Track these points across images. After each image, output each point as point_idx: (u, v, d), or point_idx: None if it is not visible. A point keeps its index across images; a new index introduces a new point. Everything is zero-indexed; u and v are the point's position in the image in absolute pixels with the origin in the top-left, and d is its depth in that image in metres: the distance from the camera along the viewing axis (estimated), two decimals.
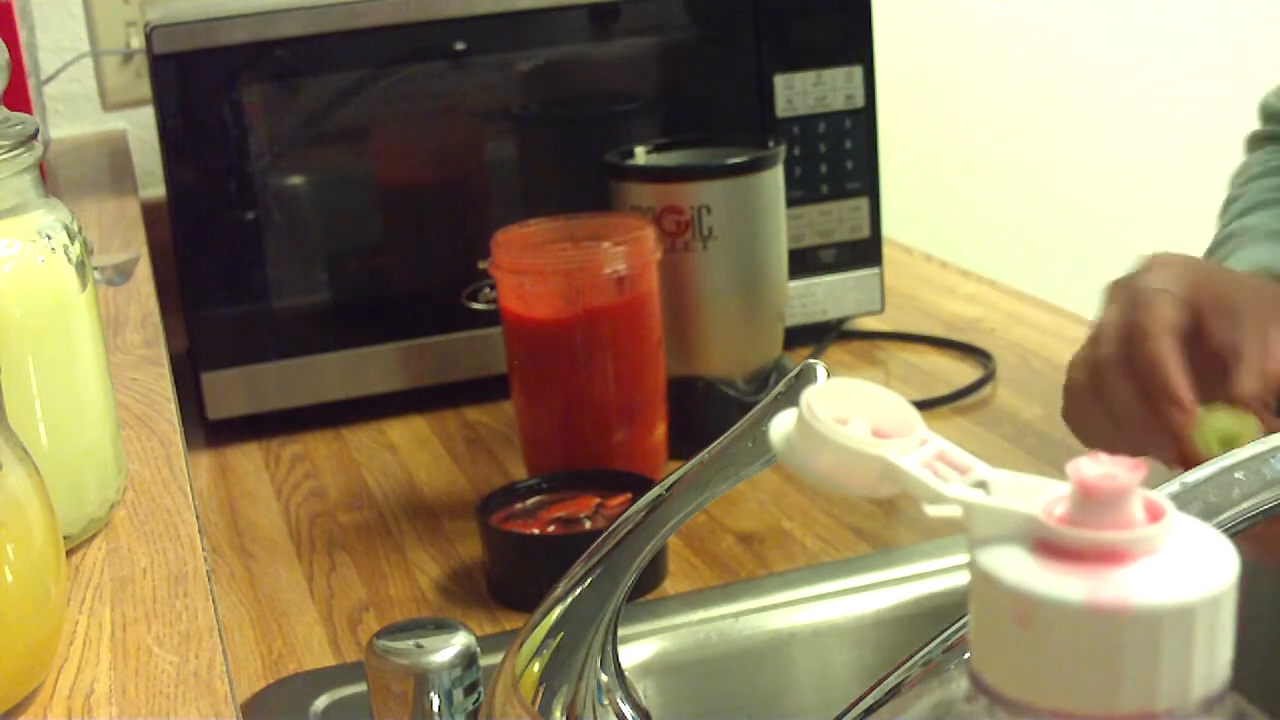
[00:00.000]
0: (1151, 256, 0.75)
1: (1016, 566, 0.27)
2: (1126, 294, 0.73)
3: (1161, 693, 0.26)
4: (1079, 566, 0.26)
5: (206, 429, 1.06)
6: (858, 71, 1.13)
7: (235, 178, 1.03)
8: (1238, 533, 0.43)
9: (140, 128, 1.36)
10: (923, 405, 1.00)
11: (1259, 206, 0.88)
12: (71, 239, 0.55)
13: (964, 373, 1.09)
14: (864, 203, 1.15)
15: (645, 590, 0.80)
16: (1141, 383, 0.70)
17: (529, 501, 0.84)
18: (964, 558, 0.40)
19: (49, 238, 0.54)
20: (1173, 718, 0.26)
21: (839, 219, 1.15)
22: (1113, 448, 0.65)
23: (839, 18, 1.12)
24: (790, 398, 0.45)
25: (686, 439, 0.93)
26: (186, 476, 0.61)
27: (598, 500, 0.84)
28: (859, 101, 1.13)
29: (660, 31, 1.11)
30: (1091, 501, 0.27)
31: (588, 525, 0.81)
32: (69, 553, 0.54)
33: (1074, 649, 0.26)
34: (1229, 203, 0.92)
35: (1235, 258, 0.83)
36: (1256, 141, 0.98)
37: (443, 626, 0.60)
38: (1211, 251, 0.88)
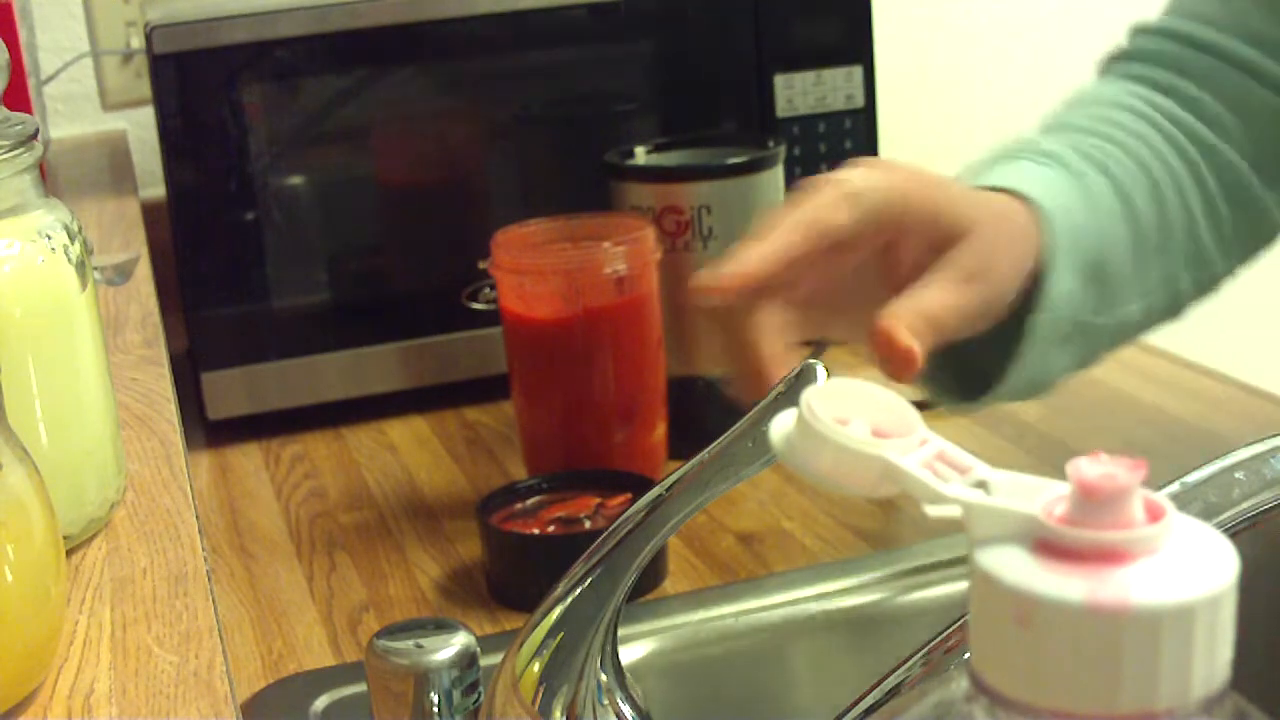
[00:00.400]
0: (860, 162, 0.65)
1: (1016, 566, 0.27)
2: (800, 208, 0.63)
3: (1161, 693, 0.26)
4: (1079, 566, 0.26)
5: (206, 429, 1.06)
6: (858, 71, 1.13)
7: (235, 178, 1.03)
8: (1238, 533, 0.43)
9: (140, 128, 1.36)
10: (923, 405, 1.00)
11: (1052, 129, 0.78)
12: (71, 239, 0.55)
13: None
14: None
15: (645, 590, 0.80)
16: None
17: (529, 501, 0.84)
18: (964, 557, 0.40)
19: (49, 238, 0.54)
20: (1173, 718, 0.26)
21: None
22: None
23: (839, 18, 1.12)
24: (790, 398, 0.45)
25: (686, 439, 0.93)
26: (186, 476, 0.61)
27: (598, 500, 0.84)
28: (859, 101, 1.13)
29: (660, 31, 1.11)
30: (1091, 501, 0.27)
31: (588, 525, 0.81)
32: (69, 553, 0.54)
33: (1074, 649, 0.26)
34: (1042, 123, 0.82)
35: (990, 173, 0.72)
36: (1112, 62, 0.85)
37: (443, 626, 0.60)
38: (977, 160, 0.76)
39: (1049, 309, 0.68)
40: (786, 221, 0.62)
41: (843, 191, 0.63)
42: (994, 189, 0.69)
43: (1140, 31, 0.83)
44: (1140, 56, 0.82)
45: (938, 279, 0.63)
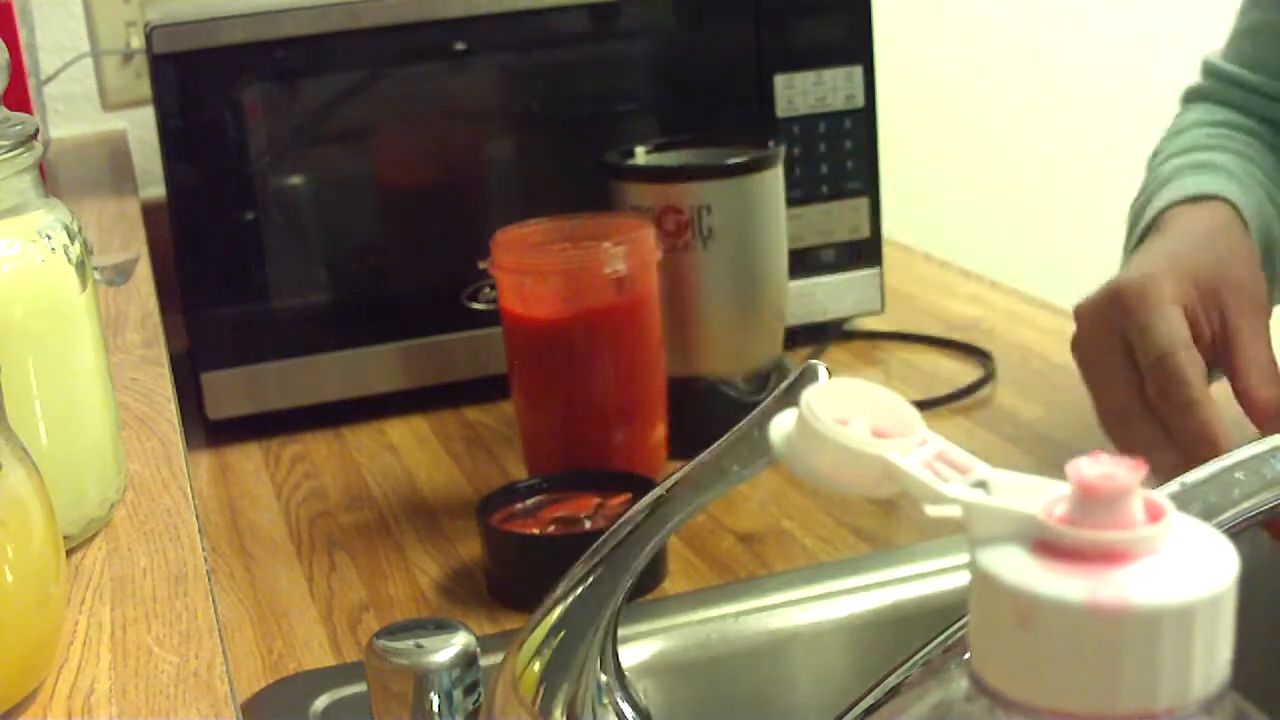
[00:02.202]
0: (1130, 296, 0.73)
1: (1016, 566, 0.27)
2: (1121, 338, 0.73)
3: (1161, 693, 0.26)
4: (1079, 566, 0.26)
5: (206, 429, 1.06)
6: (858, 71, 1.13)
7: (235, 178, 1.03)
8: (1238, 533, 0.43)
9: (140, 128, 1.36)
10: (923, 405, 1.00)
11: (1182, 152, 0.90)
12: (71, 239, 0.55)
13: (964, 373, 1.09)
14: (864, 203, 1.15)
15: (645, 590, 0.80)
16: (1172, 427, 0.70)
17: (529, 501, 0.84)
18: (964, 558, 0.40)
19: (49, 238, 0.54)
20: (1173, 718, 0.26)
21: (839, 219, 1.15)
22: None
23: (839, 18, 1.12)
24: (790, 398, 0.45)
25: (686, 439, 0.93)
26: (186, 476, 0.61)
27: (598, 500, 0.84)
28: (859, 101, 1.13)
29: (660, 31, 1.11)
30: (1091, 501, 0.27)
31: (588, 525, 0.81)
32: (69, 553, 0.54)
33: (1074, 649, 0.26)
34: (1155, 155, 0.94)
35: (1160, 195, 0.85)
36: (1191, 95, 0.99)
37: (443, 626, 0.60)
38: (1140, 198, 0.90)
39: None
40: (1206, 398, 0.70)
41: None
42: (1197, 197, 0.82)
43: (1210, 73, 0.97)
44: (1214, 95, 0.96)
45: (1249, 330, 0.74)
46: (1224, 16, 1.00)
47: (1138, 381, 0.73)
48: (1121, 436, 0.73)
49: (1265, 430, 0.71)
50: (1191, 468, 0.66)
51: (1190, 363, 0.70)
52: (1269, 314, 0.77)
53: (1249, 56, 0.95)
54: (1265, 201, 0.86)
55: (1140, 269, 0.75)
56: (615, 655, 0.53)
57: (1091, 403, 0.76)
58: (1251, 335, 0.74)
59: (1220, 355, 0.74)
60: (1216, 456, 0.63)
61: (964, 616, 0.45)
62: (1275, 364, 0.73)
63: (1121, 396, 0.73)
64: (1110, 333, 0.75)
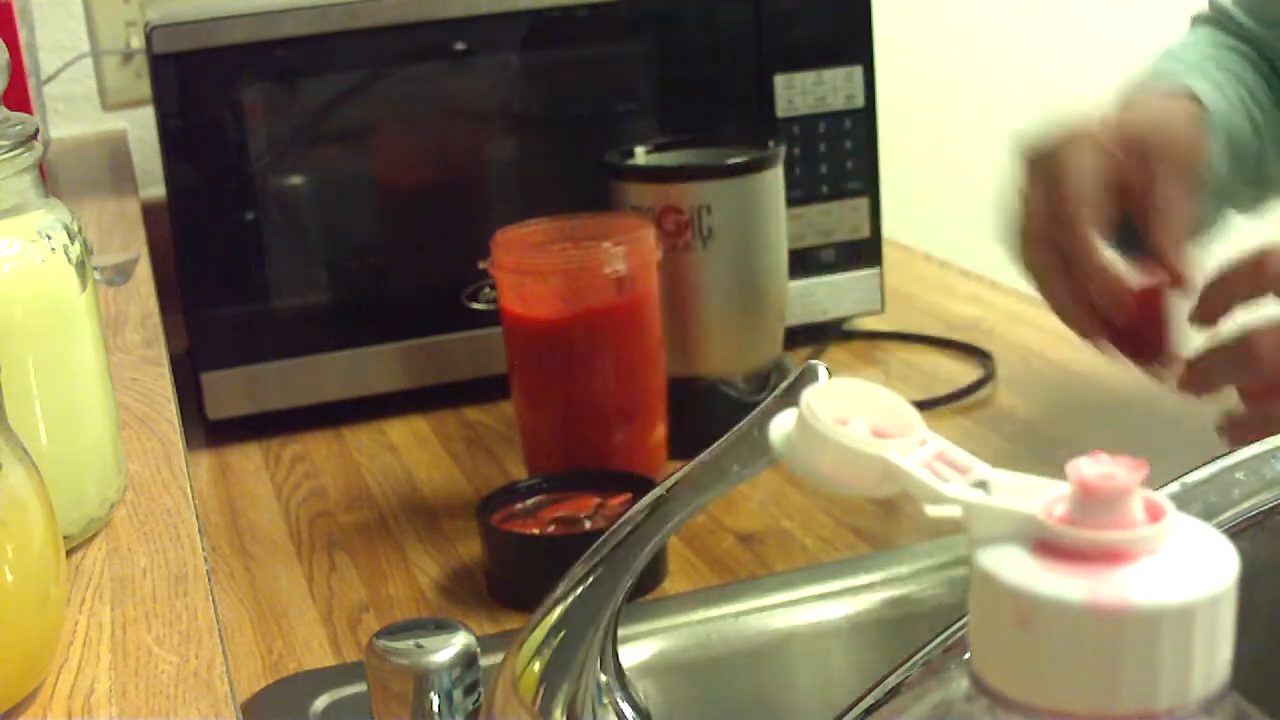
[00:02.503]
0: (1062, 125, 0.82)
1: (1016, 566, 0.27)
2: (1046, 171, 0.81)
3: (1161, 693, 0.26)
4: (1079, 566, 0.26)
5: (206, 429, 1.06)
6: (858, 71, 1.13)
7: (235, 178, 1.03)
8: (1238, 533, 0.43)
9: (140, 128, 1.36)
10: (923, 405, 1.00)
11: (1170, 57, 0.95)
12: (71, 239, 0.55)
13: (964, 373, 1.09)
14: (864, 203, 1.15)
15: (645, 590, 0.80)
16: (1069, 266, 0.80)
17: (529, 501, 0.84)
18: (964, 557, 0.40)
19: (49, 238, 0.54)
20: (1173, 718, 0.26)
21: (839, 219, 1.15)
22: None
23: (839, 18, 1.12)
24: (790, 398, 0.45)
25: (686, 439, 0.93)
26: (186, 476, 0.61)
27: (598, 500, 0.84)
28: (859, 101, 1.13)
29: (660, 31, 1.11)
30: (1091, 501, 0.27)
31: (588, 525, 0.81)
32: (69, 553, 0.54)
33: (1074, 649, 0.26)
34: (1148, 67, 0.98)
35: (1133, 86, 0.90)
36: (1196, 20, 1.02)
37: (443, 626, 0.59)
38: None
39: (1216, 183, 0.85)
40: (1092, 239, 0.79)
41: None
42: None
43: (1215, 8, 1.01)
44: (1218, 24, 1.00)
45: (1163, 205, 0.80)
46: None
47: (1052, 214, 0.80)
48: (1025, 255, 0.83)
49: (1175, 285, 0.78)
50: (1080, 299, 0.78)
51: (1086, 220, 0.78)
52: (1195, 183, 0.81)
53: (1251, 4, 0.99)
54: (1241, 114, 0.90)
55: (1083, 118, 0.82)
56: (615, 655, 0.53)
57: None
58: (1168, 200, 0.79)
59: (1138, 210, 0.80)
60: (1107, 293, 0.77)
61: (964, 616, 0.45)
62: (1183, 229, 0.79)
63: (1036, 224, 0.81)
64: (1038, 165, 0.82)
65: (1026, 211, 0.83)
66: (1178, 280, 0.78)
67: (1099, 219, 0.79)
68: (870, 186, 1.15)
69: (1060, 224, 0.79)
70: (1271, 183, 0.94)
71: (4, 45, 0.54)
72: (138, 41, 1.37)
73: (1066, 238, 0.79)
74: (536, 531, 0.81)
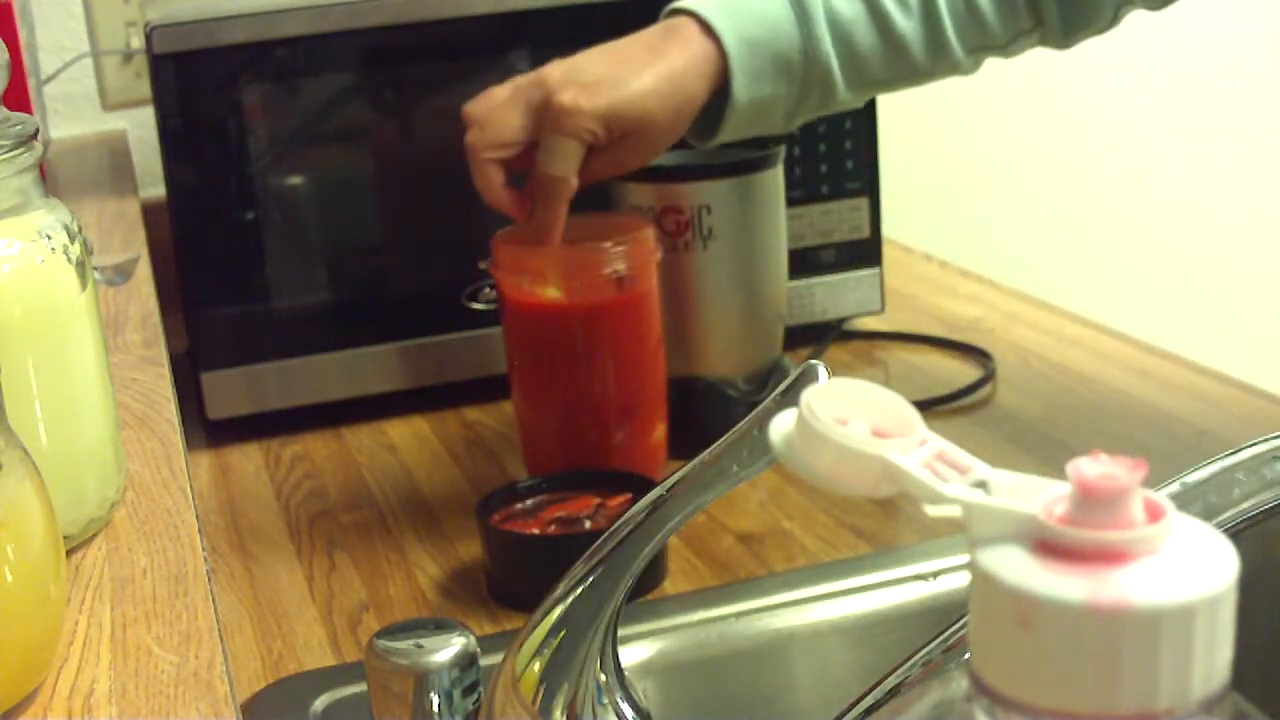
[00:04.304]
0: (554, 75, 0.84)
1: (1016, 566, 0.27)
2: (533, 115, 0.84)
3: (1161, 693, 0.26)
4: (1079, 566, 0.26)
5: (206, 429, 1.06)
6: None
7: (235, 178, 1.03)
8: (1238, 533, 0.43)
9: (140, 128, 1.36)
10: (923, 405, 1.00)
11: None
12: (71, 239, 0.55)
13: (964, 373, 1.09)
14: (864, 203, 1.15)
15: (645, 590, 0.80)
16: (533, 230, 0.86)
17: (529, 501, 0.84)
18: (964, 558, 0.40)
19: (49, 238, 0.54)
20: (1173, 718, 0.26)
21: (839, 219, 1.15)
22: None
23: None
24: (791, 398, 0.45)
25: (686, 439, 0.93)
26: (186, 476, 0.61)
27: (598, 500, 0.84)
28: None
29: None
30: (1091, 501, 0.27)
31: (588, 525, 0.81)
32: (69, 553, 0.54)
33: (1074, 649, 0.26)
34: None
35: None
36: None
37: (443, 626, 0.60)
38: None
39: (737, 110, 0.85)
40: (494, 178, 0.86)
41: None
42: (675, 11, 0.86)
43: None
44: None
45: (610, 154, 0.84)
46: (1224, 17, 1.00)
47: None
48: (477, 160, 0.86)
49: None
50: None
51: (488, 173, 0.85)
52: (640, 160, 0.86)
53: None
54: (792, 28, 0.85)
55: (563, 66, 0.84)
56: (615, 655, 0.53)
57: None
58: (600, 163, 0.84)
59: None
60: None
61: (964, 616, 0.45)
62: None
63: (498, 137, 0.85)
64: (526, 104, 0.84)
65: (495, 121, 0.86)
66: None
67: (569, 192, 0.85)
68: (870, 186, 1.15)
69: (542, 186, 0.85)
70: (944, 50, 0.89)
71: (4, 45, 0.54)
72: (138, 41, 1.37)
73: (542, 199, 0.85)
74: (536, 531, 0.81)
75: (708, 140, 0.88)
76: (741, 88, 0.84)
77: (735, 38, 0.84)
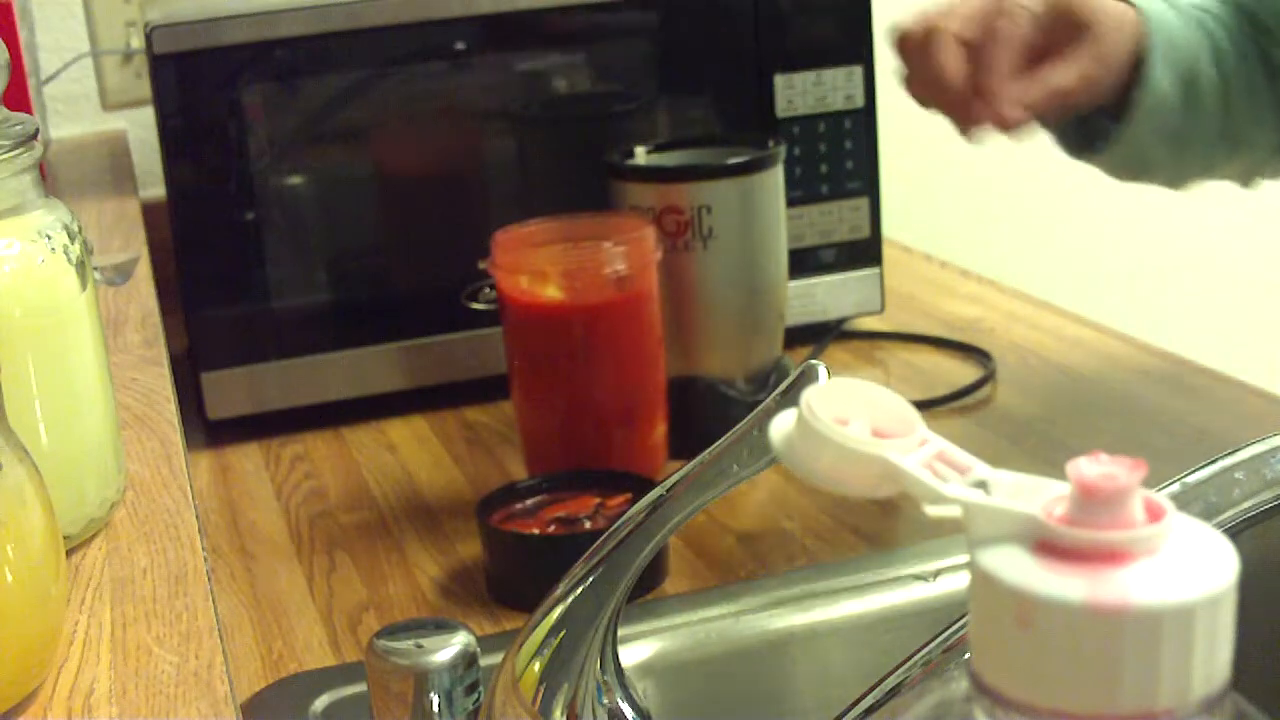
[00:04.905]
0: None
1: (1016, 566, 0.27)
2: None
3: (1161, 693, 0.26)
4: (1079, 566, 0.26)
5: (206, 429, 1.06)
6: (858, 71, 1.13)
7: (235, 178, 1.03)
8: (1238, 533, 0.43)
9: (140, 128, 1.36)
10: (923, 405, 1.00)
11: None
12: (71, 239, 0.55)
13: (964, 373, 1.09)
14: (864, 203, 1.15)
15: (645, 590, 0.80)
16: (977, 71, 0.81)
17: (529, 501, 0.84)
18: (964, 558, 0.40)
19: (49, 238, 0.54)
20: (1173, 718, 0.26)
21: (839, 219, 1.15)
22: (916, 85, 0.83)
23: (839, 18, 1.12)
24: (790, 398, 0.45)
25: (686, 439, 0.93)
26: (186, 476, 0.61)
27: (598, 500, 0.84)
28: (859, 101, 1.13)
29: (660, 31, 1.11)
30: (1091, 501, 0.27)
31: (588, 525, 0.81)
32: (69, 553, 0.54)
33: (1074, 649, 0.26)
34: None
35: None
36: None
37: (443, 626, 0.60)
38: None
39: (1148, 89, 0.85)
40: (1005, 62, 0.81)
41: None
42: None
43: None
44: None
45: (1072, 58, 0.82)
46: None
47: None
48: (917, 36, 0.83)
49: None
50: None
51: (1019, 22, 0.81)
52: (1102, 73, 0.84)
53: None
54: (1194, 38, 0.88)
55: None
56: (615, 655, 0.53)
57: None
58: (1075, 64, 0.82)
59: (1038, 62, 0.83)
60: (987, 82, 0.79)
61: (964, 616, 0.45)
62: (1050, 98, 0.81)
63: (962, 13, 0.82)
64: None
65: (956, 9, 0.83)
66: (1001, 122, 0.81)
67: (1027, 28, 0.81)
68: (870, 186, 1.15)
69: (988, 35, 0.81)
70: (1243, 143, 0.91)
71: (4, 45, 0.54)
72: (138, 41, 1.37)
73: (988, 48, 0.81)
74: (536, 531, 0.82)
75: (1099, 144, 0.89)
76: (1158, 65, 0.85)
77: (1151, 14, 0.86)
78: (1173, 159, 0.90)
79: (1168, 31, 0.86)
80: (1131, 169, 0.92)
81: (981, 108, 0.80)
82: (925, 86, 0.83)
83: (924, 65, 0.82)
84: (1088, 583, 0.26)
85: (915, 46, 0.83)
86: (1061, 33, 0.83)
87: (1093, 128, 0.89)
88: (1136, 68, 0.85)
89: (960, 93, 0.81)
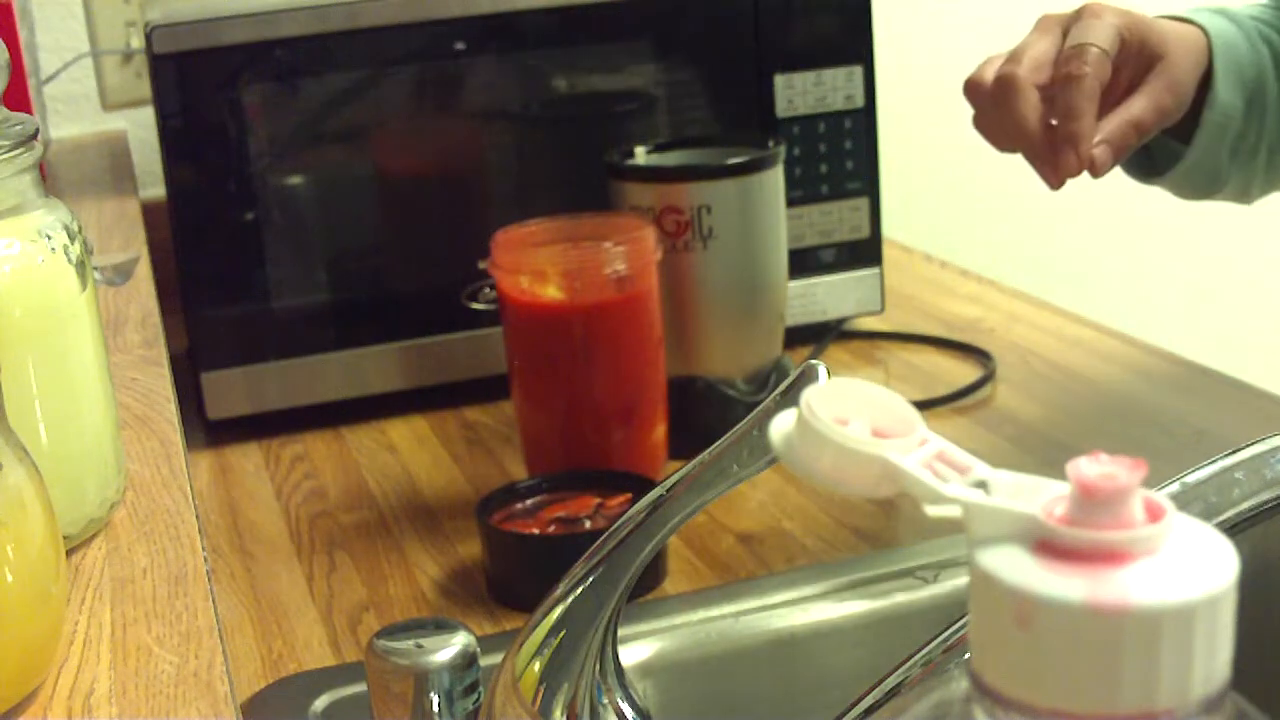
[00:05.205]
0: (1087, 5, 0.83)
1: (1016, 566, 0.27)
2: (1062, 30, 0.82)
3: (1161, 693, 0.26)
4: (1079, 566, 0.26)
5: (206, 429, 1.06)
6: (858, 71, 1.13)
7: (235, 178, 1.04)
8: (1238, 533, 0.43)
9: (140, 128, 1.36)
10: (923, 405, 1.00)
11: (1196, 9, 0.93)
12: (71, 239, 0.55)
13: (964, 373, 1.09)
14: (864, 203, 1.15)
15: (645, 590, 0.80)
16: (1059, 117, 0.79)
17: (529, 501, 0.84)
18: (964, 557, 0.40)
19: (49, 238, 0.54)
20: (1173, 718, 0.26)
21: (839, 219, 1.15)
22: (994, 133, 0.81)
23: (839, 18, 1.12)
24: (790, 398, 0.45)
25: (686, 439, 0.93)
26: (186, 476, 0.61)
27: (598, 500, 0.84)
28: (859, 101, 1.13)
29: (660, 31, 1.11)
30: (1091, 501, 0.27)
31: (588, 525, 0.81)
32: (69, 553, 0.54)
33: (1074, 649, 0.26)
34: None
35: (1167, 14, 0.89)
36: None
37: (443, 626, 0.60)
38: None
39: (1215, 108, 0.85)
40: (1090, 102, 0.80)
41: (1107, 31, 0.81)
42: (1171, 18, 0.86)
43: None
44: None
45: (1147, 90, 0.82)
46: None
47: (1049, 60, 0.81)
48: (1004, 82, 0.81)
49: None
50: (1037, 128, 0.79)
51: (1097, 65, 0.79)
52: (1176, 100, 0.83)
53: None
54: (1256, 55, 0.88)
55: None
56: (615, 655, 0.53)
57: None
58: (1149, 95, 0.81)
59: (1110, 96, 0.82)
60: (1073, 128, 0.78)
61: (964, 616, 0.45)
62: (1130, 133, 0.80)
63: (1033, 57, 0.81)
64: (1053, 19, 0.83)
65: (1027, 55, 0.81)
66: (1092, 167, 0.80)
67: (1105, 69, 0.79)
68: (870, 186, 1.15)
69: (1066, 81, 0.79)
70: None
71: (4, 45, 0.54)
72: (138, 41, 1.37)
73: (1069, 94, 0.79)
74: (536, 531, 0.82)
75: (1166, 166, 0.89)
76: (1223, 83, 0.85)
77: (1214, 33, 0.86)
78: (1239, 173, 0.90)
79: (1231, 48, 0.86)
80: (1200, 187, 0.91)
81: (1070, 154, 0.79)
82: (1005, 137, 0.82)
83: (1002, 115, 0.81)
84: (1088, 583, 0.26)
85: (989, 95, 0.81)
86: (1133, 64, 0.82)
87: (1157, 150, 0.89)
88: (1202, 86, 0.85)
89: (1044, 140, 0.80)
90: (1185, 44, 0.83)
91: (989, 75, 0.82)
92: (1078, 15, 0.82)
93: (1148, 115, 0.81)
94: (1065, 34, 0.81)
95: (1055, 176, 0.80)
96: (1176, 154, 0.88)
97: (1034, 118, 0.80)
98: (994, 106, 0.81)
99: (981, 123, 0.84)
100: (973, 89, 0.84)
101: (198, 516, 0.58)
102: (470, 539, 0.87)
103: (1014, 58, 0.81)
